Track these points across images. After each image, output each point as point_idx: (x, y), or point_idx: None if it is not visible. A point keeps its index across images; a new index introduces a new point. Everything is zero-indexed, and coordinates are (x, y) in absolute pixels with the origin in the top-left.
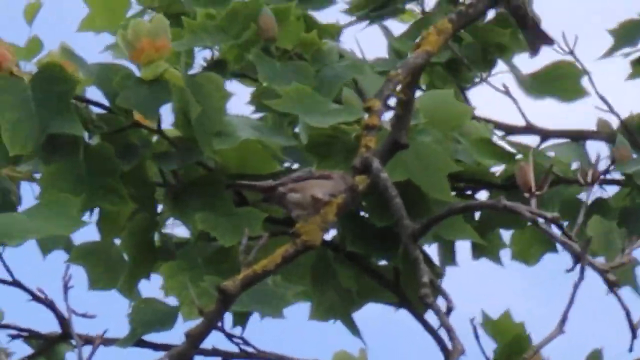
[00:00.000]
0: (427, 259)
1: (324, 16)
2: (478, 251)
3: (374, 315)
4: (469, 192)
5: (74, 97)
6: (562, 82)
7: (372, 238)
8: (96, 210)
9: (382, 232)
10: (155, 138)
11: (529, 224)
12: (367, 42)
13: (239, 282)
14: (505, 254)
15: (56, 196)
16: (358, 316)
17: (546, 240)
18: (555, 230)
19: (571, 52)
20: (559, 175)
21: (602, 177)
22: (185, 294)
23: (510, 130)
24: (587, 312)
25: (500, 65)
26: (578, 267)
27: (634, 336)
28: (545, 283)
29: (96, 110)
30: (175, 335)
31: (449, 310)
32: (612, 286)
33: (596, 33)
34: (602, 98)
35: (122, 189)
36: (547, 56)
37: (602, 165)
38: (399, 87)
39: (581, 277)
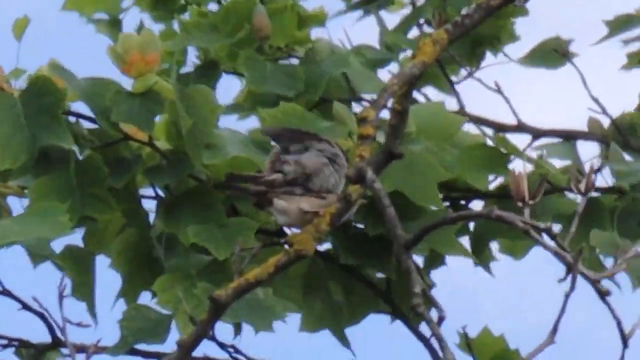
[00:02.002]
0: (419, 269)
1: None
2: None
3: (366, 325)
4: (462, 202)
5: (64, 112)
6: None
7: (365, 250)
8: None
9: (375, 243)
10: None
11: None
12: (356, 30)
13: (231, 291)
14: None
15: (44, 204)
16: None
17: None
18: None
19: (565, 55)
20: (552, 184)
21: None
22: (180, 308)
23: (501, 128)
24: (580, 321)
25: (489, 58)
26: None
27: (625, 346)
28: (538, 291)
29: (87, 124)
30: (167, 342)
31: (441, 319)
32: (604, 296)
33: (592, 31)
34: (595, 100)
35: (110, 199)
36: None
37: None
38: (393, 98)
39: (572, 287)
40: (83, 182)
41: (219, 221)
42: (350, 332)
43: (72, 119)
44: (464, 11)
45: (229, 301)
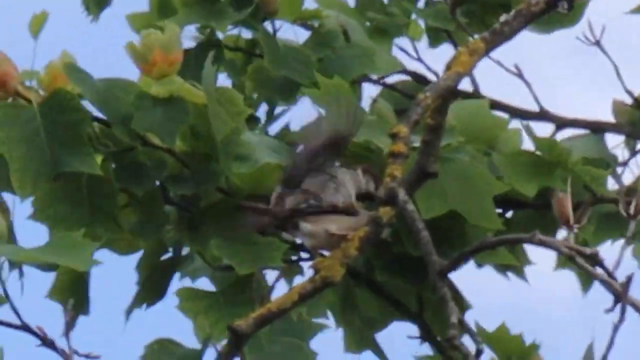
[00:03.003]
0: (456, 294)
1: None
2: (503, 266)
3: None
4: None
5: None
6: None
7: (400, 266)
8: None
9: (410, 261)
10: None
11: None
12: None
13: (252, 321)
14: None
15: (66, 235)
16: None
17: None
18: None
19: (597, 43)
20: (596, 196)
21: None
22: (201, 318)
23: (521, 114)
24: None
25: None
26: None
27: None
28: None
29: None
30: None
31: (479, 353)
32: None
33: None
34: (629, 92)
35: (116, 215)
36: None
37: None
38: (426, 111)
39: (622, 317)
40: (93, 193)
41: (246, 238)
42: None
43: None
44: (502, 18)
45: (249, 331)
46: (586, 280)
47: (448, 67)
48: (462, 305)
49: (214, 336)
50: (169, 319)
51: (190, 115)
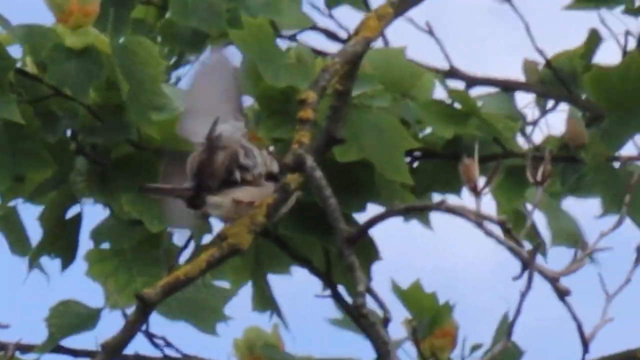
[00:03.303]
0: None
1: None
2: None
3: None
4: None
5: None
6: None
7: (305, 220)
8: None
9: (316, 215)
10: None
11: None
12: None
13: (159, 289)
14: None
15: None
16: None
17: None
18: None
19: (509, 1)
20: (505, 148)
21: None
22: (110, 282)
23: (432, 72)
24: (538, 321)
25: None
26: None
27: (585, 350)
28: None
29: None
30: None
31: (386, 321)
32: (563, 295)
33: None
34: (539, 51)
35: (45, 153)
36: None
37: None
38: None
39: (529, 285)
40: (14, 137)
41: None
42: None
43: None
44: None
45: (157, 299)
46: None
47: (356, 32)
48: (373, 256)
49: (121, 302)
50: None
51: (105, 68)
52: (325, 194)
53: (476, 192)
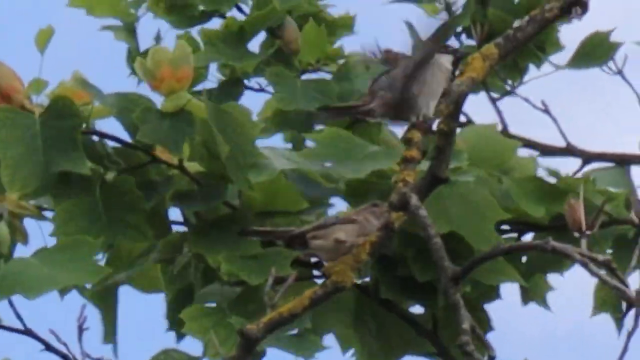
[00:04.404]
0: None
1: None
2: (527, 296)
3: None
4: (513, 235)
5: (88, 131)
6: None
7: (408, 284)
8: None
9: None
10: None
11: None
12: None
13: (262, 325)
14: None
15: (71, 239)
16: None
17: None
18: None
19: (619, 72)
20: (611, 215)
21: None
22: (209, 337)
23: (548, 150)
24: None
25: (532, 71)
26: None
27: None
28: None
29: (112, 143)
30: None
31: (491, 359)
32: None
33: None
34: None
35: (143, 225)
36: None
37: None
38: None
39: (635, 325)
40: (111, 206)
41: (254, 250)
42: None
43: (96, 138)
44: (516, 24)
45: (260, 336)
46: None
47: (461, 72)
48: (485, 325)
49: (223, 352)
50: None
51: (200, 131)
52: (429, 232)
53: (581, 232)
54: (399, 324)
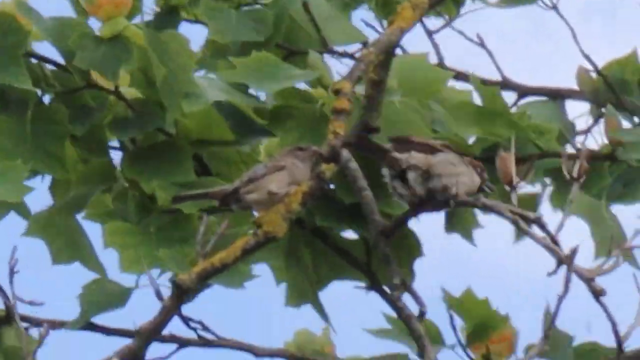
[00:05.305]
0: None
1: None
2: (450, 225)
3: (342, 295)
4: None
5: (26, 53)
6: None
7: (341, 212)
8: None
9: (350, 206)
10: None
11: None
12: None
13: (195, 275)
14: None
15: (4, 164)
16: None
17: None
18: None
19: (554, 7)
20: (543, 149)
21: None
22: (130, 252)
23: (483, 84)
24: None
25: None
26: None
27: (620, 351)
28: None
29: (50, 67)
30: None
31: (422, 314)
32: (598, 295)
33: None
34: (586, 56)
35: (64, 157)
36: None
37: (583, 124)
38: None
39: (567, 287)
40: (39, 133)
41: (187, 178)
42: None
43: (34, 60)
44: None
45: (192, 286)
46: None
47: (390, 22)
48: (416, 251)
49: (143, 266)
50: None
51: (138, 58)
52: (360, 185)
53: (511, 185)
54: (330, 254)
